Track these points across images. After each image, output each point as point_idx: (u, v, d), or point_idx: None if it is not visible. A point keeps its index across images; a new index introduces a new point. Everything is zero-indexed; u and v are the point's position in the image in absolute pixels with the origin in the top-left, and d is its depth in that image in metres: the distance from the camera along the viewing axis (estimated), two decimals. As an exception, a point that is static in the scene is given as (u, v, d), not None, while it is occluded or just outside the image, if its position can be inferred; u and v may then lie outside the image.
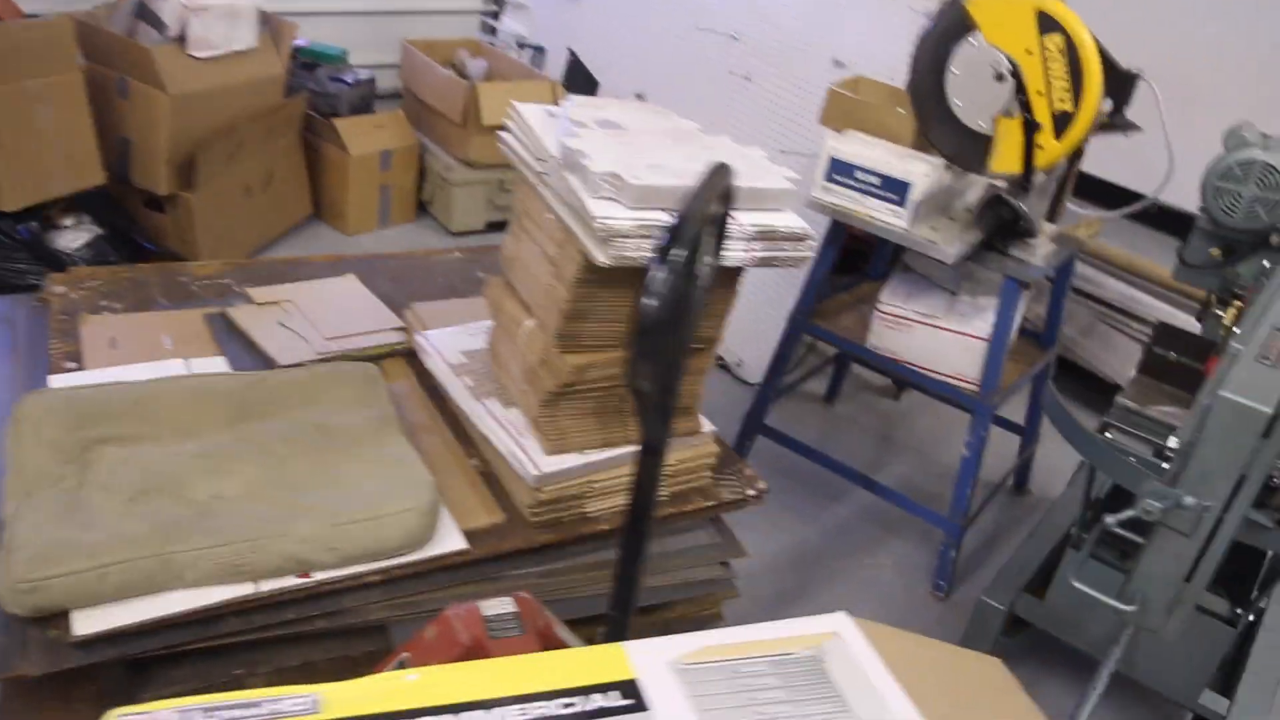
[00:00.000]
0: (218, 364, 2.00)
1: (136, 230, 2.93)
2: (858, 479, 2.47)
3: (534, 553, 1.77)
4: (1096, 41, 2.55)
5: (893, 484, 2.67)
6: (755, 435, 2.62)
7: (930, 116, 2.15)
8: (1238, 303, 2.08)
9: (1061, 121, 2.02)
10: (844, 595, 2.35)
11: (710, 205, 1.09)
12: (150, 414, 1.76)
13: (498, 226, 3.75)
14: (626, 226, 1.50)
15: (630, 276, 1.63)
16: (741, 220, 1.59)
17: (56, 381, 1.87)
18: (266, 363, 2.02)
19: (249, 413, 1.81)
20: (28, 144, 2.50)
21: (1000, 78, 2.02)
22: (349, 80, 3.50)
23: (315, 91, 3.45)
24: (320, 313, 2.20)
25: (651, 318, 0.91)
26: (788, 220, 1.63)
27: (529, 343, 1.77)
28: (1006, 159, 2.09)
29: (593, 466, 1.79)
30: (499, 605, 1.65)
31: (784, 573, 2.39)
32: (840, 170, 2.17)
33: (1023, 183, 2.10)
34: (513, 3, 4.03)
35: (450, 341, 2.04)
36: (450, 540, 1.70)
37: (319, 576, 1.58)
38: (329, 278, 2.37)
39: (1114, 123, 2.93)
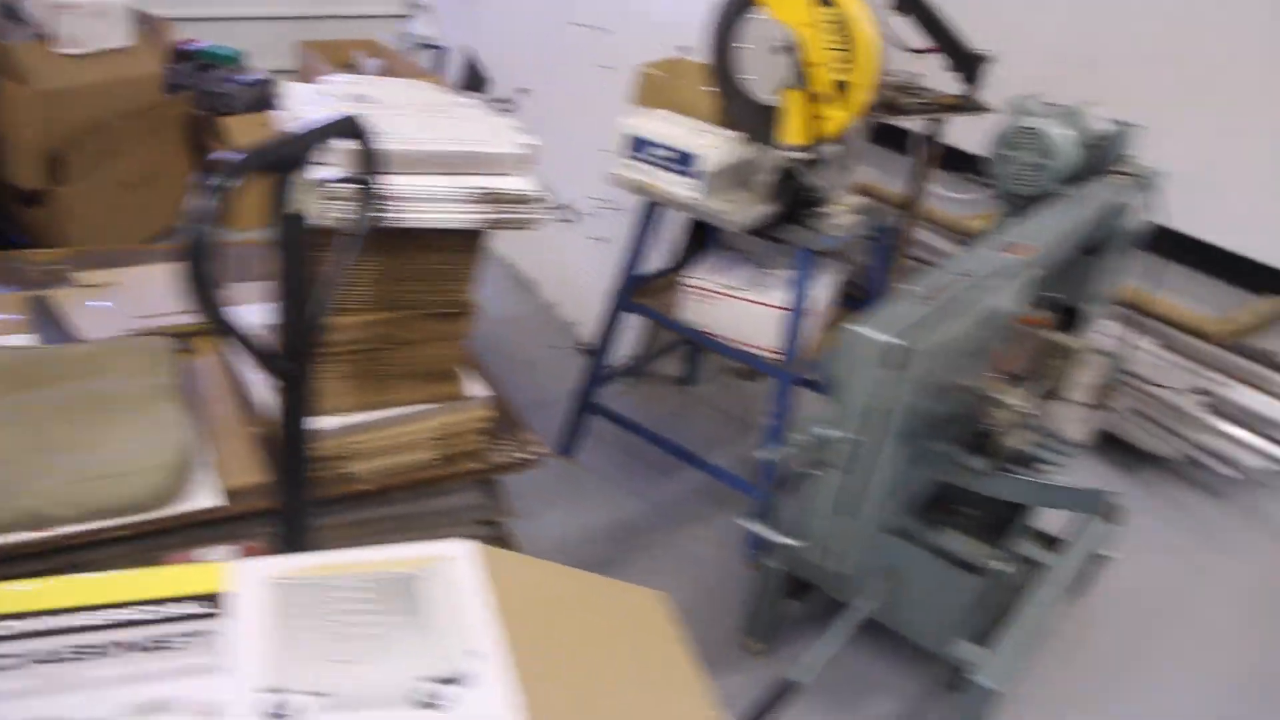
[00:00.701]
0: (25, 341, 2.09)
1: (10, 225, 3.04)
2: (684, 455, 2.51)
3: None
4: (932, 9, 2.62)
5: (731, 462, 2.70)
6: (586, 415, 2.68)
7: (725, 91, 2.21)
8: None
9: (841, 91, 2.06)
10: (659, 564, 2.39)
11: (305, 150, 1.15)
12: (-74, 383, 1.83)
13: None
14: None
15: (366, 242, 1.70)
16: (460, 183, 1.65)
17: None
18: (71, 340, 2.10)
19: (26, 382, 1.89)
20: (-116, 139, 2.62)
21: (781, 50, 2.07)
22: (244, 81, 3.60)
23: (210, 92, 3.55)
24: (139, 294, 2.28)
25: (185, 247, 0.98)
26: (511, 183, 1.69)
27: (287, 308, 1.84)
28: (794, 130, 2.14)
29: (351, 428, 1.85)
30: (221, 554, 1.71)
31: (601, 544, 2.44)
32: (638, 146, 2.23)
33: (812, 153, 2.15)
34: (422, 5, 4.14)
35: (248, 317, 2.11)
36: (205, 497, 1.76)
37: (63, 530, 1.65)
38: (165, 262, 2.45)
39: (965, 103, 2.97)
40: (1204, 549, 2.83)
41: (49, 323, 2.16)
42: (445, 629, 1.05)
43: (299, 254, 1.20)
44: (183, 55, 3.59)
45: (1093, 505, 1.79)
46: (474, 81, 3.84)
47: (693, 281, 2.38)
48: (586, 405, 2.68)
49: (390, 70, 3.84)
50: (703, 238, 2.80)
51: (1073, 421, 1.97)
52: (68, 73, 2.87)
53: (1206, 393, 3.25)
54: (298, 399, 1.28)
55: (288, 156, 1.13)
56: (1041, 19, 4.73)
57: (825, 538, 1.44)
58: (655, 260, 2.78)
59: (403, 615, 1.07)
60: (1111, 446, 3.18)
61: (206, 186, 0.99)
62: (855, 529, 1.42)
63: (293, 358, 1.24)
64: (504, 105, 3.71)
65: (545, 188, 3.60)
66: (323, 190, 1.24)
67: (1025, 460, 1.90)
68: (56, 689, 0.89)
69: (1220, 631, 2.50)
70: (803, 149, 2.16)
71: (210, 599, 1.02)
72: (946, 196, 3.09)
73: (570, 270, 3.33)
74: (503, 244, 3.81)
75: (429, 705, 0.95)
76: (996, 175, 2.13)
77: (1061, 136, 2.04)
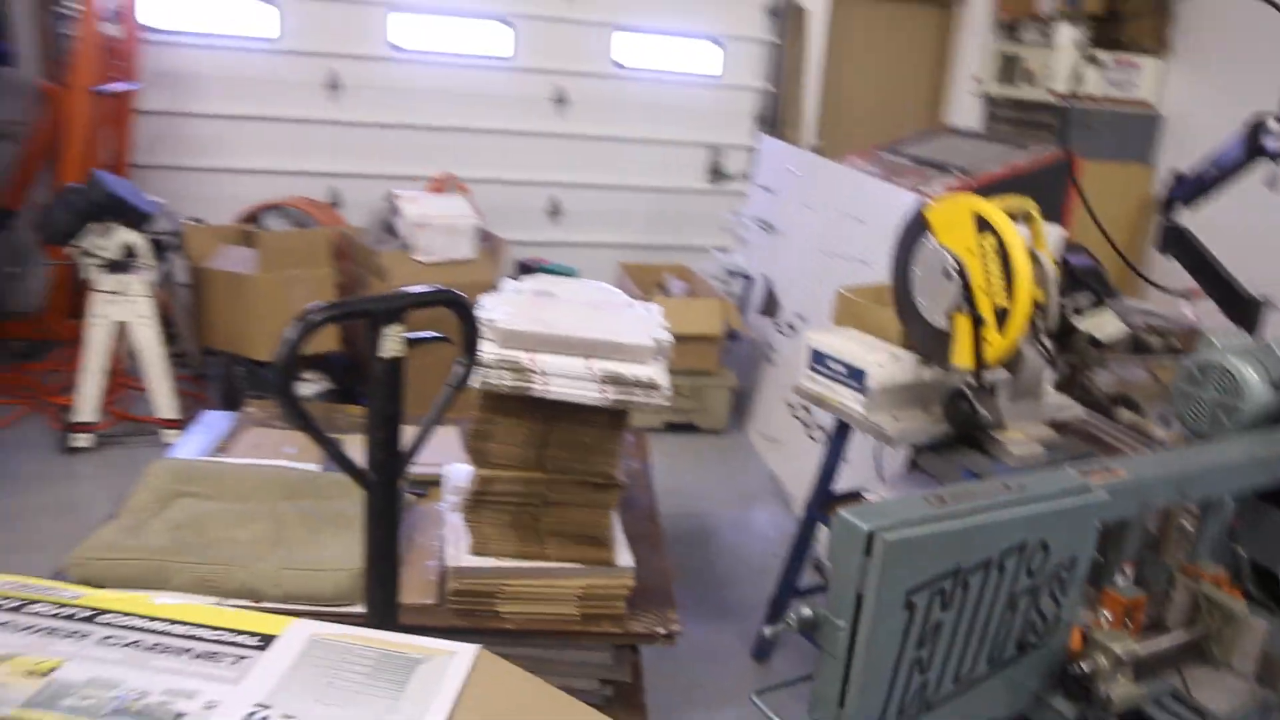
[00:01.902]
0: (313, 467, 2.75)
1: (365, 392, 3.91)
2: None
3: (443, 632, 2.21)
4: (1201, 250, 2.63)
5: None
6: (785, 604, 2.81)
7: (903, 314, 2.42)
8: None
9: (1002, 317, 2.19)
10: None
11: (397, 309, 1.60)
12: (226, 485, 2.51)
13: (676, 427, 4.31)
14: (491, 360, 2.01)
15: (521, 408, 2.12)
16: (593, 366, 2.02)
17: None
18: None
19: (291, 494, 2.51)
20: (282, 315, 3.57)
21: (949, 275, 2.26)
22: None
23: (542, 300, 4.35)
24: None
25: (279, 356, 1.44)
26: (638, 371, 2.03)
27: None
28: (962, 354, 2.28)
29: (505, 571, 2.22)
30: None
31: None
32: (818, 360, 2.48)
33: (977, 377, 2.26)
34: (740, 238, 4.73)
35: (465, 470, 2.59)
36: (376, 606, 2.21)
37: (268, 606, 2.16)
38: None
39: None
40: None
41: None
42: (411, 703, 1.34)
43: (390, 390, 1.63)
44: (526, 269, 4.45)
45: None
46: (769, 306, 4.29)
47: (872, 499, 2.51)
48: (777, 613, 2.82)
49: (691, 291, 4.41)
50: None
51: (1222, 692, 1.80)
52: (418, 275, 3.73)
53: None
54: (380, 508, 1.68)
55: (381, 311, 1.58)
56: None
57: (823, 723, 1.52)
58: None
59: (387, 685, 1.38)
60: None
61: (295, 324, 1.46)
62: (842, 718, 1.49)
63: (378, 473, 1.65)
64: (787, 328, 4.10)
65: (806, 407, 3.80)
66: (414, 344, 1.67)
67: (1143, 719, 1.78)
68: (128, 663, 1.31)
69: None
70: (971, 373, 2.28)
71: (263, 638, 1.41)
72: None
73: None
74: (771, 461, 4.10)
75: (364, 747, 1.24)
76: (1178, 413, 2.09)
77: (1250, 375, 1.98)
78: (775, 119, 5.56)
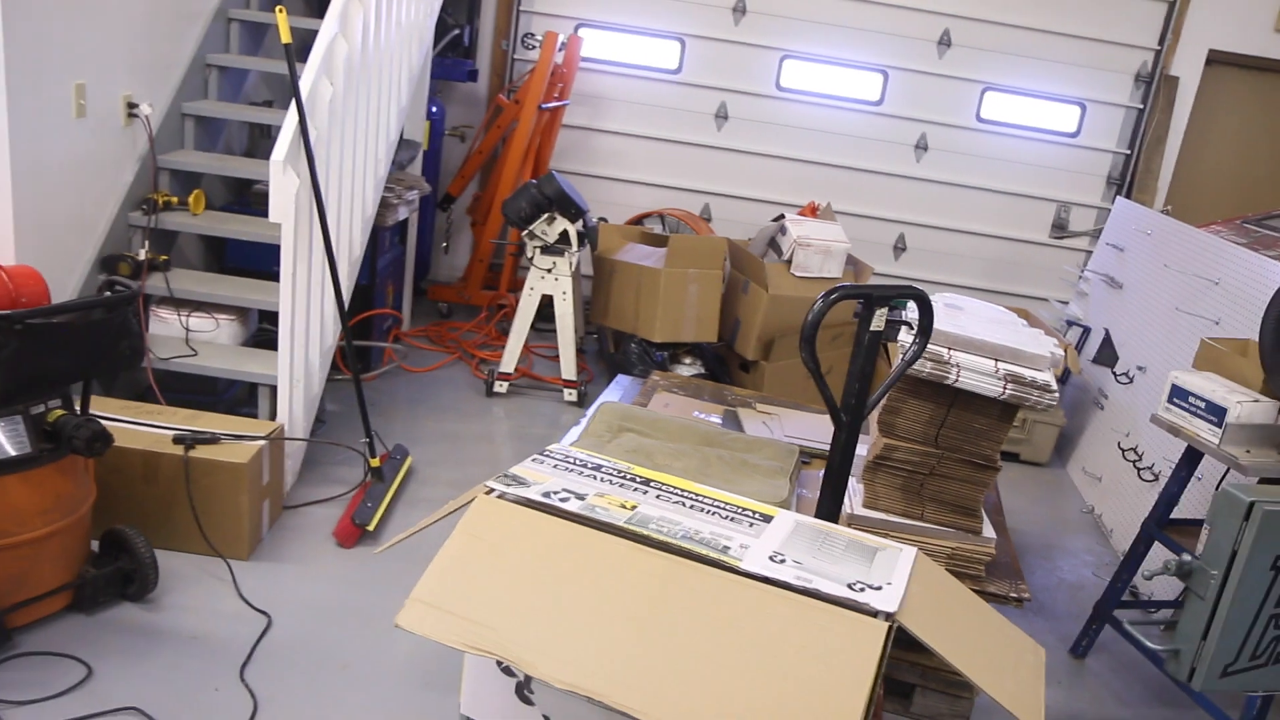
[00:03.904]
0: (718, 424, 3.46)
1: (729, 380, 4.60)
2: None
3: (833, 565, 2.81)
4: None
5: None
6: (1099, 624, 3.20)
7: (1269, 365, 2.80)
8: None
9: (1369, 377, 2.55)
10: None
11: (885, 298, 2.21)
12: (659, 427, 3.24)
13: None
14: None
15: (929, 393, 2.70)
16: (999, 367, 2.57)
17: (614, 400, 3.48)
18: (740, 432, 3.41)
19: (710, 442, 3.21)
20: (677, 305, 4.34)
21: (1319, 336, 2.64)
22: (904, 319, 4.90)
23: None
24: (790, 425, 3.54)
25: (807, 320, 2.10)
26: (1035, 374, 2.55)
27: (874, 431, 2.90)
28: (1324, 405, 2.64)
29: (890, 525, 2.80)
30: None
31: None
32: (1177, 394, 2.88)
33: (1337, 427, 2.62)
34: (1079, 291, 5.07)
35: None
36: (782, 535, 2.85)
37: (699, 521, 2.85)
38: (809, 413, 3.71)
39: None
40: None
41: (732, 422, 3.50)
42: (880, 569, 1.95)
43: (870, 354, 2.25)
44: (875, 295, 5.04)
45: None
46: (1104, 356, 4.62)
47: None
48: (1100, 615, 3.22)
49: (1032, 332, 4.82)
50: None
51: None
52: (793, 287, 4.39)
53: None
54: (847, 437, 2.30)
55: (875, 297, 2.20)
56: None
57: (1184, 654, 1.98)
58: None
59: (859, 558, 1.99)
60: None
61: (823, 298, 2.10)
62: (1206, 651, 1.95)
63: (849, 414, 2.27)
64: (1124, 377, 4.43)
65: (1137, 450, 4.20)
66: (895, 324, 2.27)
67: None
68: (679, 513, 1.99)
69: None
70: (1332, 422, 2.63)
71: (766, 517, 2.06)
72: None
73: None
74: (1090, 496, 4.43)
75: (853, 588, 1.85)
76: None
77: None
78: (1125, 180, 5.85)
